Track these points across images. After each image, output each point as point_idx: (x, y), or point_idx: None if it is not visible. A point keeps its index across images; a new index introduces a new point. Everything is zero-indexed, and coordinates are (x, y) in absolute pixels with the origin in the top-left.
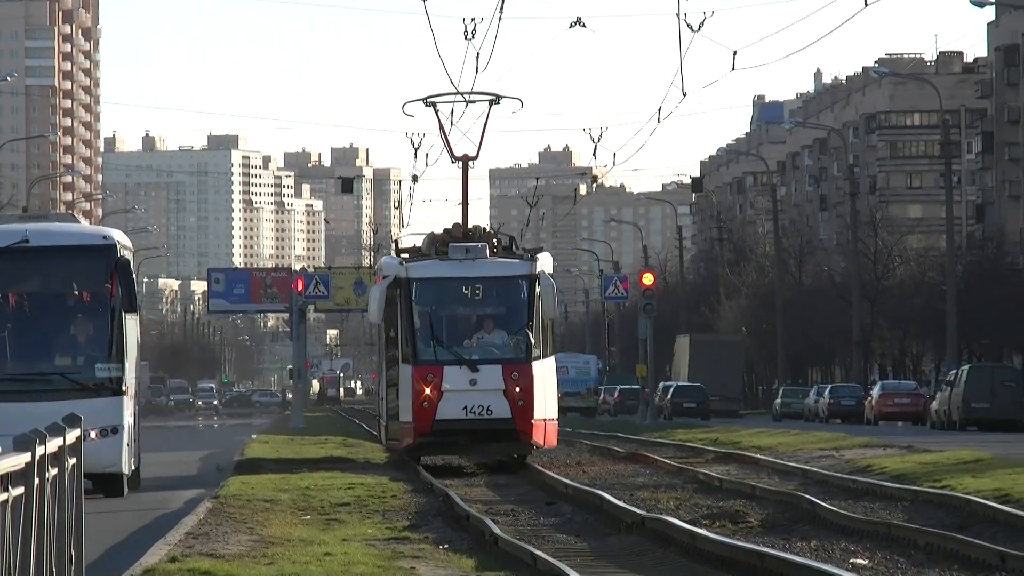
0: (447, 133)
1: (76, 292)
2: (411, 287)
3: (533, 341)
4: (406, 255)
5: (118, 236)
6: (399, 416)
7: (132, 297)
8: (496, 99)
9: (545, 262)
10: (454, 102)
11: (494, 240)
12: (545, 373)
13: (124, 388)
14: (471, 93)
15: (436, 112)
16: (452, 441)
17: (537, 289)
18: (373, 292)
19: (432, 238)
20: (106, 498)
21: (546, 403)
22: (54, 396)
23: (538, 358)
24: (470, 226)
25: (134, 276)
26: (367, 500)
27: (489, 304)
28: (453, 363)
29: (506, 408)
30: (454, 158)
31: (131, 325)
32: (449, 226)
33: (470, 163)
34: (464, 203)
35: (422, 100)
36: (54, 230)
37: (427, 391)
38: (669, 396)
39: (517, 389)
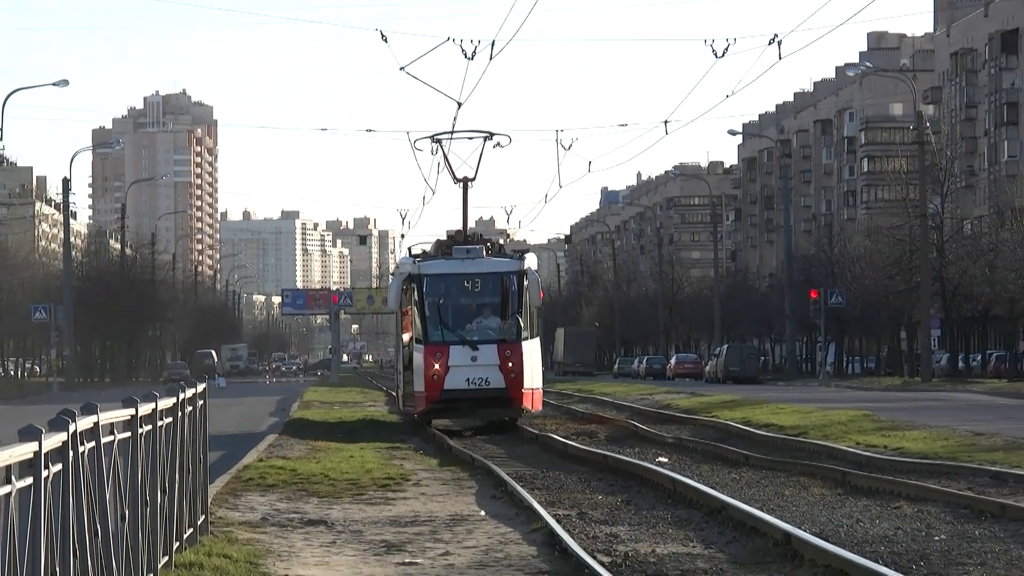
0: (449, 162)
1: None
2: (422, 281)
3: (522, 324)
4: (418, 256)
5: None
6: (413, 387)
7: None
8: (489, 135)
9: (531, 261)
10: (454, 138)
11: (488, 244)
12: (532, 351)
13: None
14: (469, 131)
15: (441, 145)
16: (457, 407)
17: (525, 282)
18: (392, 285)
19: (439, 243)
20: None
21: (533, 375)
22: None
23: (526, 338)
24: (469, 233)
25: None
26: (374, 424)
27: (486, 295)
28: (457, 343)
29: (501, 380)
30: (456, 180)
31: None
32: (453, 233)
33: (469, 184)
34: (464, 215)
35: (429, 137)
36: None
37: (436, 366)
38: None
39: (510, 364)
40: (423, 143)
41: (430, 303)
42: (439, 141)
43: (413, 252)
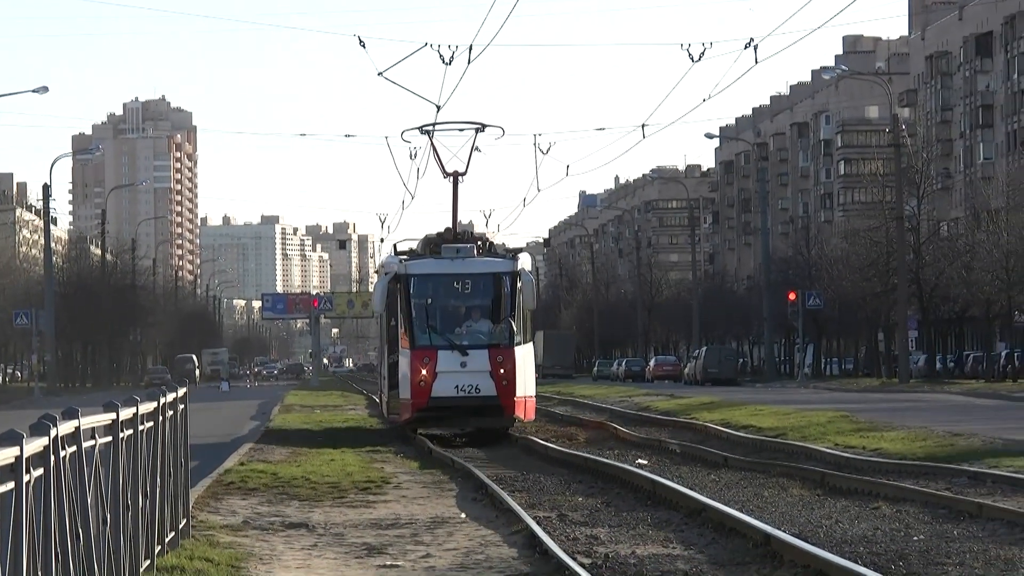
0: (439, 155)
1: None
2: (409, 282)
3: (515, 328)
4: (404, 255)
5: None
6: (399, 393)
7: None
8: (481, 127)
9: (525, 261)
10: (446, 129)
11: (480, 242)
12: (525, 356)
13: None
14: (461, 122)
15: (430, 137)
16: (445, 415)
17: (518, 284)
18: (377, 286)
19: (427, 240)
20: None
21: (526, 382)
22: None
23: (519, 343)
24: (459, 231)
25: None
26: (355, 428)
27: (477, 296)
28: (446, 348)
29: (492, 387)
30: (446, 174)
31: None
32: (442, 230)
33: (460, 178)
34: (454, 212)
35: (418, 128)
36: None
37: (423, 372)
38: None
39: (501, 370)
40: (411, 135)
41: (417, 305)
42: (428, 132)
43: (399, 250)
